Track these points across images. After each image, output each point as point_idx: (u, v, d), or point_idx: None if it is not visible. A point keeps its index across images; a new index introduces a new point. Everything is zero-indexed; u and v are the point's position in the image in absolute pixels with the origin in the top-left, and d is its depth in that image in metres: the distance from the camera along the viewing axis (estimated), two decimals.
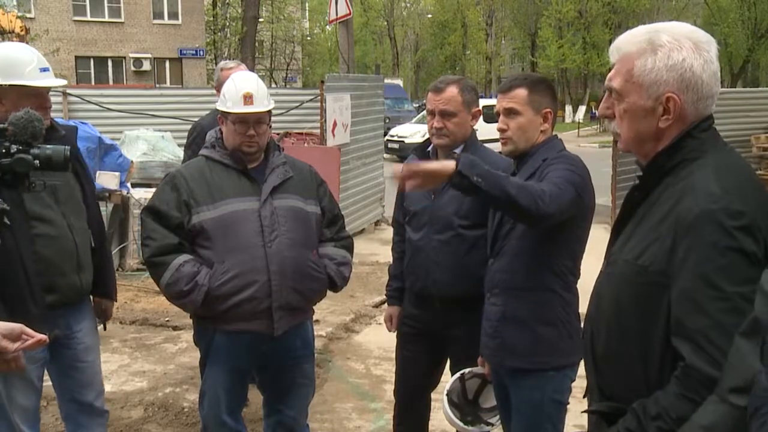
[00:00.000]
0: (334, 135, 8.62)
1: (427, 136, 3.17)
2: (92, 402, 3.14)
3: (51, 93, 2.93)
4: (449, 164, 2.14)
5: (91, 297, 3.18)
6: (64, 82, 3.04)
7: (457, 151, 3.02)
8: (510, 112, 2.67)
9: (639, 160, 1.75)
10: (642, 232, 1.64)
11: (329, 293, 3.19)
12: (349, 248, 3.21)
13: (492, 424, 2.98)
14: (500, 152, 2.82)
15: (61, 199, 2.89)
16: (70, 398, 3.13)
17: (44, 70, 2.79)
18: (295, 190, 3.03)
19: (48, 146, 2.33)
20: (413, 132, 20.43)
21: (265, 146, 3.03)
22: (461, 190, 2.19)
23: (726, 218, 1.49)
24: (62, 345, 2.98)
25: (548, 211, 2.28)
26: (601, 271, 1.81)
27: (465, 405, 3.01)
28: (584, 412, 1.83)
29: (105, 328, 3.37)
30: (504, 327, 2.69)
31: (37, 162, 2.25)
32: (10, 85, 2.70)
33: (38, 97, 2.76)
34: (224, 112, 2.97)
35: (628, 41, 1.69)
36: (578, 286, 2.70)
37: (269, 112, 3.01)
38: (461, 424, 2.93)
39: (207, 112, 4.94)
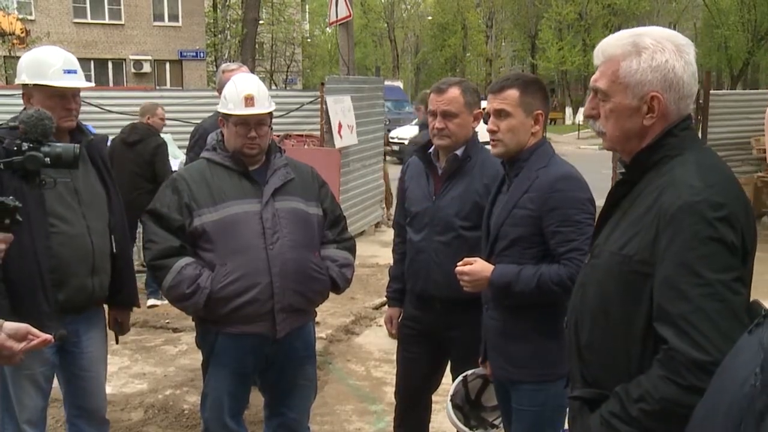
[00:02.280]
0: (341, 137, 8.63)
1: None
2: (93, 412, 3.13)
3: None
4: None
5: (106, 310, 3.16)
6: (88, 84, 3.03)
7: (459, 152, 3.03)
8: (501, 114, 2.64)
9: (623, 157, 1.83)
10: (626, 224, 1.71)
11: (330, 295, 3.19)
12: (352, 250, 3.20)
13: (497, 426, 2.96)
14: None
15: (83, 201, 2.89)
16: (72, 404, 3.12)
17: (69, 72, 2.85)
18: (296, 192, 3.02)
19: (58, 144, 2.36)
20: (413, 134, 20.39)
21: (267, 148, 3.03)
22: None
23: (707, 210, 1.55)
24: (69, 352, 2.97)
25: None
26: (585, 263, 1.87)
27: (468, 408, 3.00)
28: (568, 398, 1.88)
29: (117, 341, 3.32)
30: (505, 342, 2.68)
31: (47, 159, 2.28)
32: (35, 85, 2.81)
33: (63, 98, 2.84)
34: (225, 114, 2.97)
35: (612, 44, 1.76)
36: None
37: (270, 113, 3.00)
38: (466, 429, 2.91)
39: (207, 114, 4.93)
